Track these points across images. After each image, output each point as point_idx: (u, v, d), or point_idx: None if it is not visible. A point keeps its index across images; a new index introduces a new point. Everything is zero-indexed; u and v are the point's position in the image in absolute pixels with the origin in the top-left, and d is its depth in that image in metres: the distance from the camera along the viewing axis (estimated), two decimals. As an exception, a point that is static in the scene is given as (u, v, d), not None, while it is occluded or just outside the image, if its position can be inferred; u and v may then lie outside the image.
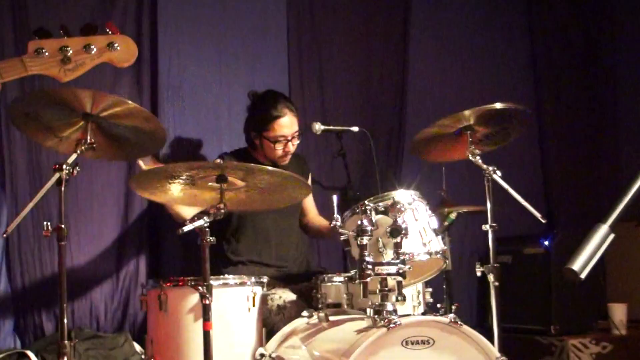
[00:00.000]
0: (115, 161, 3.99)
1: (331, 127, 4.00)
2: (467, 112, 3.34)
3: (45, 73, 2.37)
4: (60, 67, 2.33)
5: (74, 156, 2.76)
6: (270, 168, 2.85)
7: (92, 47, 2.35)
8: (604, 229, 1.38)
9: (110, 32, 2.42)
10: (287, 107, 3.78)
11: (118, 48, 2.38)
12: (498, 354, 2.76)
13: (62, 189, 2.71)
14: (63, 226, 2.69)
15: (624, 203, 1.39)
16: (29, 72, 2.37)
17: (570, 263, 1.34)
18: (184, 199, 3.04)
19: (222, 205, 2.77)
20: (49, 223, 2.69)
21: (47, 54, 2.32)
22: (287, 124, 3.75)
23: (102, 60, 2.38)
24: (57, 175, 2.70)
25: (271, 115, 3.75)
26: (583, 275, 1.34)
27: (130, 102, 2.80)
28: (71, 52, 2.33)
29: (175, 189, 2.88)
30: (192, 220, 2.71)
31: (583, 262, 1.34)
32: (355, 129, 4.08)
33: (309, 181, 4.07)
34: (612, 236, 1.37)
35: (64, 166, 2.70)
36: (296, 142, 3.81)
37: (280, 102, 3.79)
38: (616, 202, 1.39)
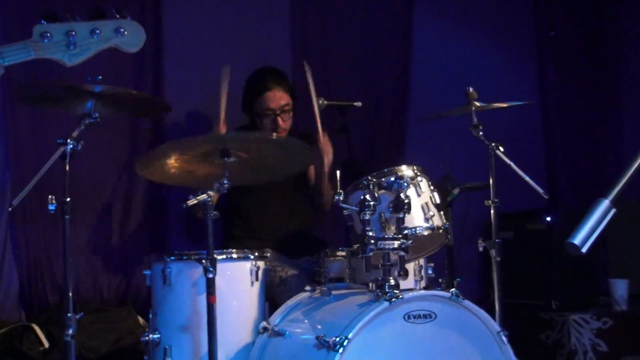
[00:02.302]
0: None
1: (335, 103, 4.00)
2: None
3: (50, 57, 2.36)
4: (65, 51, 2.32)
5: (77, 131, 2.77)
6: (270, 136, 2.90)
7: (99, 31, 2.33)
8: (605, 204, 1.39)
9: (118, 17, 2.40)
10: (274, 80, 3.80)
11: (125, 33, 2.36)
12: (499, 328, 2.79)
13: (67, 163, 2.73)
14: (68, 200, 2.71)
15: (626, 179, 1.40)
16: (33, 56, 2.36)
17: (572, 237, 1.35)
18: (180, 177, 3.07)
19: (225, 180, 2.78)
20: (53, 197, 2.70)
21: (52, 38, 2.30)
22: (272, 97, 3.76)
23: (109, 45, 2.34)
24: (61, 149, 2.72)
25: (257, 89, 3.79)
26: (584, 250, 1.35)
27: (134, 91, 2.84)
28: (77, 36, 2.31)
29: (174, 166, 2.93)
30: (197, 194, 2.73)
31: (584, 236, 1.35)
32: (359, 104, 4.08)
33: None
34: (613, 211, 1.38)
35: (68, 140, 2.71)
36: (287, 117, 3.81)
37: (267, 76, 3.81)
38: (618, 178, 1.39)
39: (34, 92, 2.95)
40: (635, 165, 1.40)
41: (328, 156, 3.78)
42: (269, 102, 3.76)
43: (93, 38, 2.31)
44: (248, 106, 3.85)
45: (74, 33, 2.30)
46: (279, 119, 3.77)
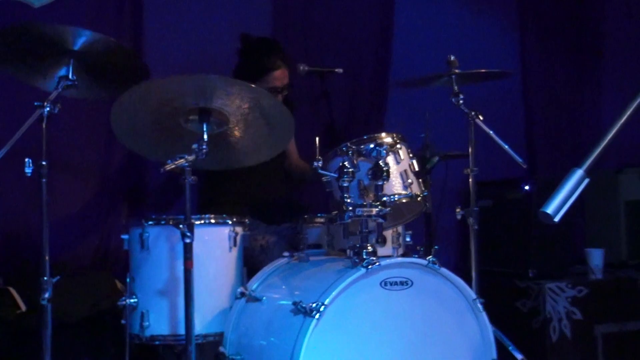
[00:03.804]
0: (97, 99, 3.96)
1: (315, 69, 3.98)
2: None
3: None
4: None
5: (55, 93, 2.75)
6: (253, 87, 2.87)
7: None
8: (579, 173, 1.40)
9: None
10: (281, 58, 3.81)
11: None
12: (475, 296, 2.81)
13: (44, 125, 2.71)
14: (44, 163, 2.69)
15: (600, 149, 1.40)
16: None
17: (545, 206, 1.36)
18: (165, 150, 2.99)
19: (204, 146, 2.77)
20: (30, 160, 2.68)
21: None
22: (280, 76, 3.79)
23: None
24: (38, 112, 2.70)
25: (265, 66, 3.77)
26: (557, 219, 1.36)
27: (111, 38, 2.80)
28: None
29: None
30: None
31: (557, 205, 1.36)
32: (340, 70, 4.06)
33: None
34: (587, 180, 1.39)
35: (45, 103, 2.69)
36: (285, 93, 3.82)
37: (275, 54, 3.81)
38: (592, 148, 1.40)
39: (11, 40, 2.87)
40: (609, 136, 1.41)
41: None
42: (277, 80, 3.78)
43: None
44: (248, 78, 3.81)
45: None
46: (280, 96, 3.79)
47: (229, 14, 4.39)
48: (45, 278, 2.69)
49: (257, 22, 4.33)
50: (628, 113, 1.46)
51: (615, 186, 4.89)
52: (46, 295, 2.69)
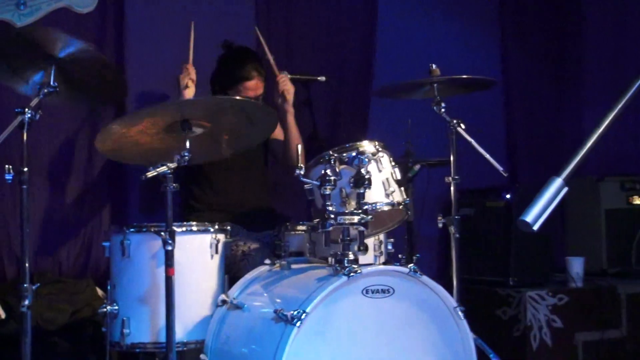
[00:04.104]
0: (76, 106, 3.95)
1: (298, 76, 3.99)
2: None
3: None
4: (15, 11, 2.26)
5: (36, 100, 2.73)
6: (236, 98, 2.87)
7: None
8: (558, 182, 1.41)
9: None
10: (255, 68, 3.80)
11: None
12: (455, 304, 2.82)
13: (25, 132, 2.69)
14: (25, 169, 2.67)
15: (579, 158, 1.42)
16: None
17: (524, 215, 1.38)
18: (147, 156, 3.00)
19: (186, 153, 2.77)
20: (10, 167, 2.67)
21: None
22: (253, 87, 3.79)
23: (60, 5, 2.28)
24: (19, 118, 2.68)
25: (237, 75, 3.77)
26: (536, 227, 1.37)
27: (93, 49, 2.80)
28: None
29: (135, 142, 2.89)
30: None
31: (537, 214, 1.37)
32: (323, 79, 4.07)
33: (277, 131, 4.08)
34: (565, 189, 1.40)
35: (26, 109, 2.67)
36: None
37: (249, 64, 3.80)
38: (571, 157, 1.41)
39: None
40: (588, 145, 1.42)
41: (289, 94, 3.84)
42: (250, 90, 3.78)
43: None
44: (220, 86, 3.83)
45: None
46: None
47: (211, 23, 4.38)
48: (25, 285, 2.66)
49: (240, 30, 4.33)
50: (607, 122, 1.47)
51: (596, 194, 4.93)
52: (26, 302, 2.66)
